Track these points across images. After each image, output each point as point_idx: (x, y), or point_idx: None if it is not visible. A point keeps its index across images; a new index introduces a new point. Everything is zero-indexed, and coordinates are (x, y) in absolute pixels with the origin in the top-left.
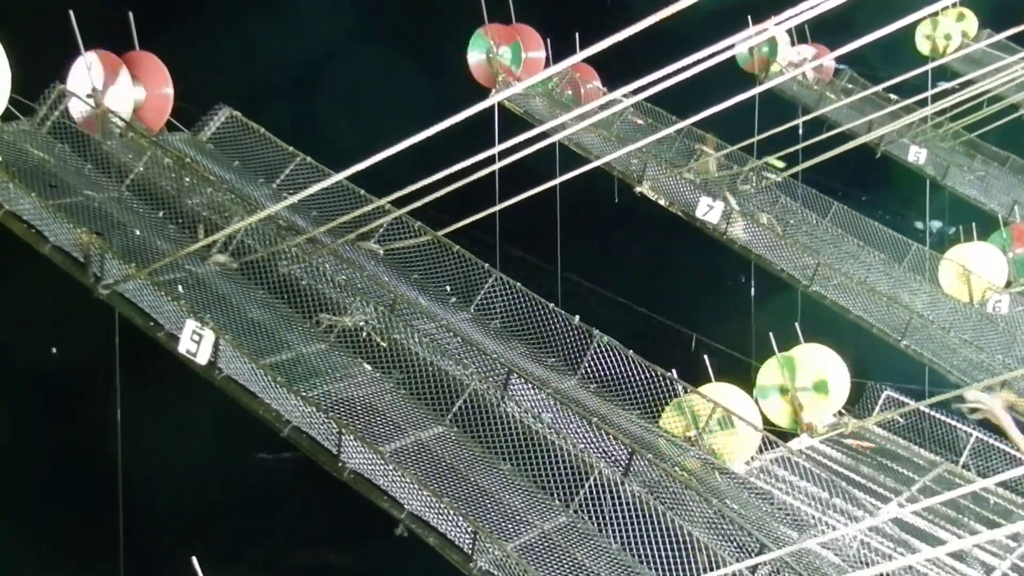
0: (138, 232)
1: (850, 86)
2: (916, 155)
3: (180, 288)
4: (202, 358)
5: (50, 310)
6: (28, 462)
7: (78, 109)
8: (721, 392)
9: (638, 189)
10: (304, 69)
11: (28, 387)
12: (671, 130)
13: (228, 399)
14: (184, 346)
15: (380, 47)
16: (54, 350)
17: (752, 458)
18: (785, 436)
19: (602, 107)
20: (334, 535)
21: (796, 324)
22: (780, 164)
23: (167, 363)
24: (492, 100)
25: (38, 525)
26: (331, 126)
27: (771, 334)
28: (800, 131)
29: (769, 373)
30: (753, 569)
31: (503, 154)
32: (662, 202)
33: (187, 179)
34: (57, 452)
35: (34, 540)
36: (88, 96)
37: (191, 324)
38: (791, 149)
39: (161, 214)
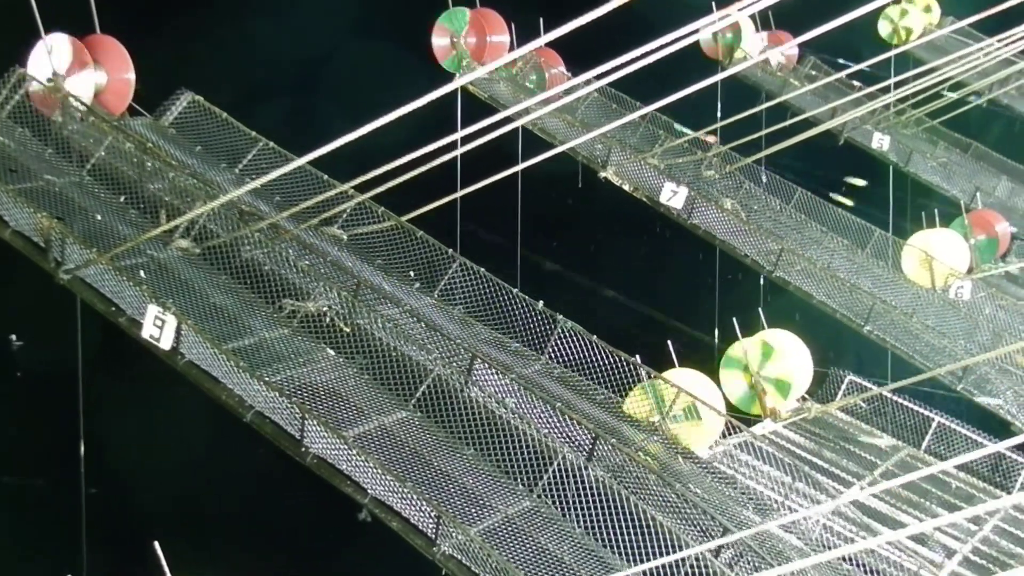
0: (99, 217)
1: (813, 72)
2: (879, 142)
3: (142, 273)
4: (165, 343)
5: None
6: None
7: (36, 89)
8: (684, 377)
9: (603, 174)
10: (267, 52)
11: None
12: (635, 115)
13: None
14: (147, 331)
15: (345, 31)
16: (14, 337)
17: (715, 443)
18: (748, 421)
19: (566, 92)
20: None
21: (760, 310)
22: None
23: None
24: (455, 84)
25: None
26: (295, 109)
27: (734, 319)
28: (764, 118)
29: (733, 358)
30: (716, 552)
31: (467, 139)
32: (626, 187)
33: (149, 164)
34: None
35: None
36: (48, 80)
37: (153, 309)
38: (754, 136)
39: (123, 199)
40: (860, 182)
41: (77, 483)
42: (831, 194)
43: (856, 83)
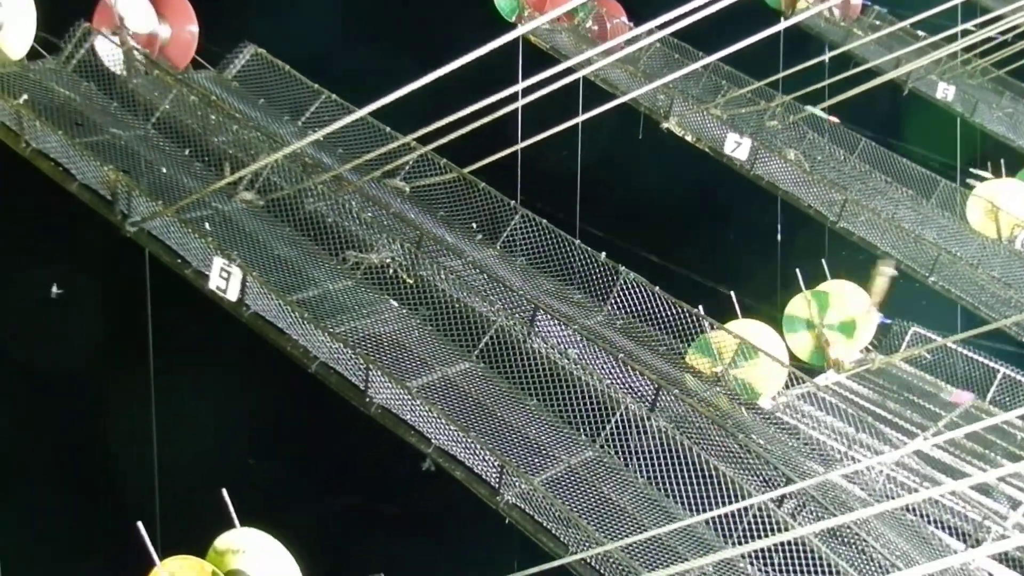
0: (164, 170)
1: (877, 23)
2: (944, 92)
3: (207, 225)
4: (231, 295)
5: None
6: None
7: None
8: (747, 328)
9: (665, 125)
10: (327, 4)
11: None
12: (697, 65)
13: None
14: (213, 283)
15: None
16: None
17: (778, 394)
18: (812, 372)
19: (628, 42)
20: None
21: (823, 261)
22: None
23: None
24: (516, 33)
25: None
26: (358, 62)
27: (798, 270)
28: (827, 68)
29: (796, 309)
30: (779, 502)
31: (528, 91)
32: (689, 138)
33: (213, 117)
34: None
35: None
36: (113, 34)
37: (219, 261)
38: (818, 85)
39: (187, 152)
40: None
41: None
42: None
43: (920, 32)
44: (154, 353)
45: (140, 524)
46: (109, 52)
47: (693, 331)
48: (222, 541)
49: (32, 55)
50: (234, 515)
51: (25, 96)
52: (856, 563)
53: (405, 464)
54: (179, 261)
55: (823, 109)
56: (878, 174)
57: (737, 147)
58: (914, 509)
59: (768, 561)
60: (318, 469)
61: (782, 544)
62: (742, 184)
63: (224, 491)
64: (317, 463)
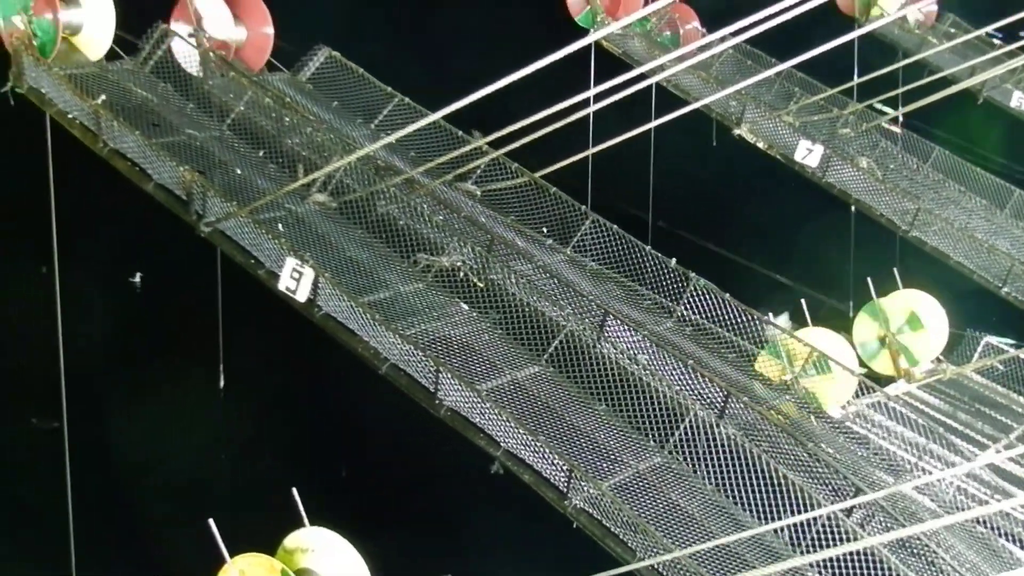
0: (239, 171)
1: (952, 30)
2: (1019, 101)
3: (280, 227)
4: (301, 296)
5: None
6: None
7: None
8: (818, 336)
9: (737, 132)
10: (402, 7)
11: None
12: (770, 72)
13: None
14: (284, 284)
15: None
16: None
17: (848, 403)
18: (882, 382)
19: (701, 48)
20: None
21: (895, 270)
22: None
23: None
24: (589, 39)
25: None
26: (431, 65)
27: (869, 279)
28: (901, 75)
29: (867, 318)
30: (848, 512)
31: (600, 96)
32: (761, 145)
33: (287, 119)
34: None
35: None
36: (190, 35)
37: (291, 262)
38: (891, 93)
39: (261, 153)
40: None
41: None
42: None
43: (996, 40)
44: (224, 352)
45: (211, 521)
46: (186, 54)
47: (763, 338)
48: (291, 539)
49: (110, 56)
50: (303, 514)
51: (103, 96)
52: (925, 575)
53: (473, 467)
54: (252, 261)
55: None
56: (951, 183)
57: (808, 154)
58: (985, 521)
59: (836, 571)
60: (389, 470)
61: (850, 554)
62: (814, 191)
63: (294, 490)
64: (389, 464)
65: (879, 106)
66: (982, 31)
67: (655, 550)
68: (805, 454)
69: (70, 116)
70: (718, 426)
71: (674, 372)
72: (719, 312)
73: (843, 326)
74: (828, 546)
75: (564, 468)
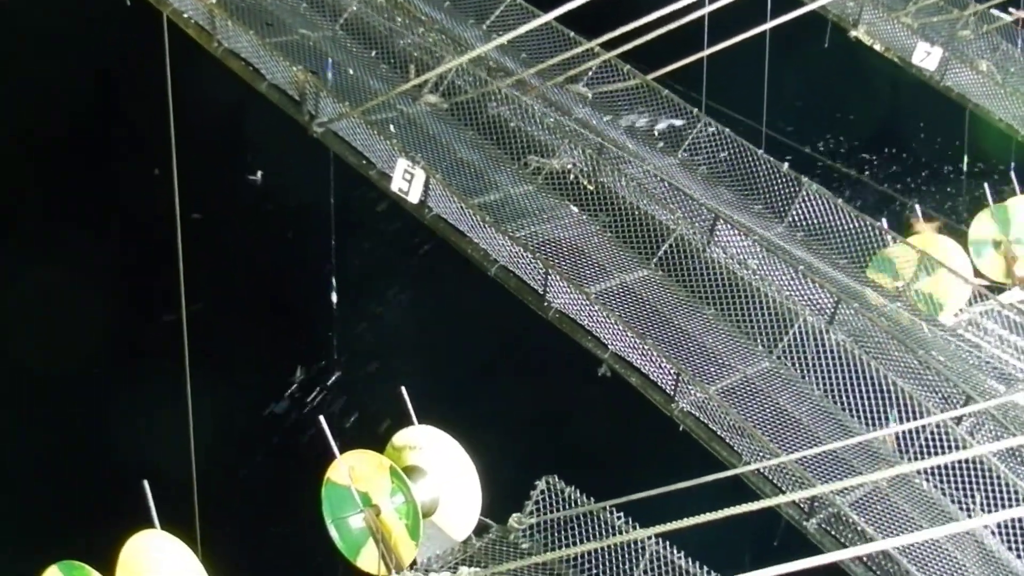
0: (351, 71)
1: None
2: None
3: (392, 127)
4: (413, 197)
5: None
6: None
7: None
8: (932, 242)
9: (853, 33)
10: None
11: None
12: None
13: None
14: (396, 185)
15: None
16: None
17: (961, 310)
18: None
19: None
20: None
21: (1012, 174)
22: None
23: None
24: None
25: None
26: None
27: (986, 184)
28: None
29: (982, 225)
30: (957, 420)
31: None
32: (877, 47)
33: (399, 19)
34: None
35: None
36: None
37: (403, 163)
38: None
39: (373, 54)
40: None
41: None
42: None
43: None
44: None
45: (321, 418)
46: None
47: (876, 244)
48: (400, 437)
49: None
50: (412, 412)
51: None
52: None
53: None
54: (364, 162)
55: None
56: None
57: (927, 57)
58: None
59: (944, 478)
60: (500, 378)
61: (959, 462)
62: (930, 95)
63: (403, 389)
64: (498, 373)
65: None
66: None
67: (762, 454)
68: (915, 361)
69: (185, 16)
70: (827, 332)
71: (784, 277)
72: (831, 218)
73: (958, 232)
74: (936, 454)
75: (672, 371)
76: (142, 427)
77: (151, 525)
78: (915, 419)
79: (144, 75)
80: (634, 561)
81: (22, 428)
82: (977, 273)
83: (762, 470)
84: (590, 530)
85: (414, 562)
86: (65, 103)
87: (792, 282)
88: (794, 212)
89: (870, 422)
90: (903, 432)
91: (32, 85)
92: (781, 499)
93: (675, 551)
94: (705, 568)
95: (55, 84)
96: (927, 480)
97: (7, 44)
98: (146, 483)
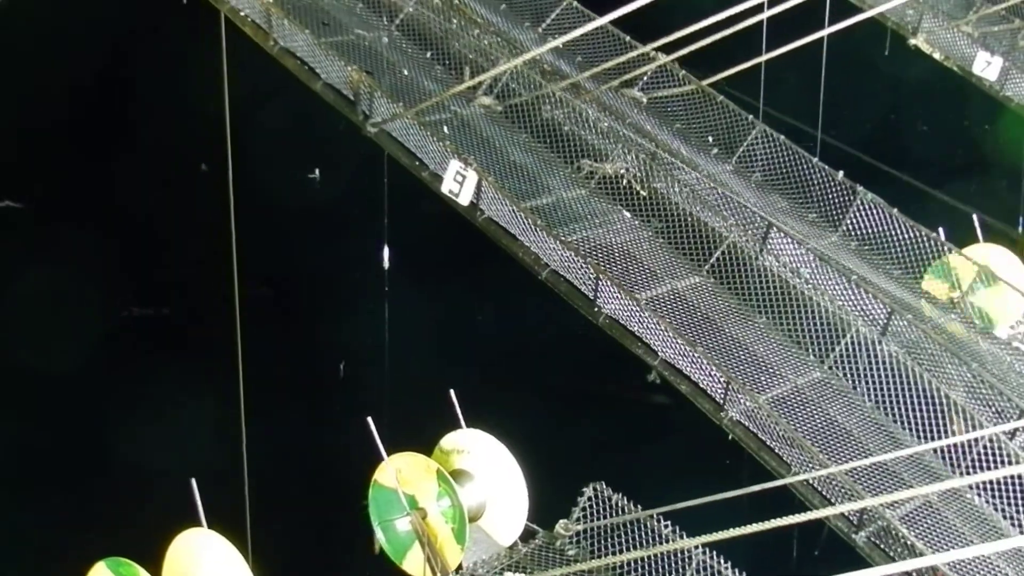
0: (406, 72)
1: None
2: None
3: (445, 129)
4: (464, 199)
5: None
6: None
7: None
8: (988, 253)
9: (912, 42)
10: None
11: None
12: None
13: None
14: (447, 186)
15: None
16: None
17: (1017, 323)
18: None
19: None
20: None
21: None
22: None
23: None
24: None
25: None
26: None
27: None
28: None
29: None
30: (1011, 435)
31: (773, 2)
32: (937, 56)
33: (455, 21)
34: None
35: None
36: None
37: (455, 164)
38: None
39: (428, 55)
40: None
41: None
42: None
43: None
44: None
45: (369, 419)
46: None
47: (931, 255)
48: (448, 441)
49: None
50: (460, 416)
51: None
52: None
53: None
54: (416, 163)
55: None
56: None
57: (987, 67)
58: None
59: (996, 493)
60: (550, 382)
61: (1012, 477)
62: (990, 105)
63: (452, 392)
64: (550, 376)
65: None
66: None
67: (811, 465)
68: (969, 374)
69: (242, 14)
70: (880, 343)
71: (837, 287)
72: (886, 227)
73: (1016, 243)
74: (989, 468)
75: (722, 380)
76: (186, 423)
77: (198, 524)
78: (967, 433)
79: (200, 71)
80: (680, 570)
81: (68, 425)
82: None
83: (811, 481)
84: (637, 538)
85: (460, 566)
86: (115, 99)
87: (845, 292)
88: (848, 221)
89: (922, 435)
90: (955, 445)
91: (84, 80)
92: (830, 510)
93: (722, 561)
94: None
95: (108, 79)
96: (979, 495)
97: (64, 40)
98: (194, 481)
